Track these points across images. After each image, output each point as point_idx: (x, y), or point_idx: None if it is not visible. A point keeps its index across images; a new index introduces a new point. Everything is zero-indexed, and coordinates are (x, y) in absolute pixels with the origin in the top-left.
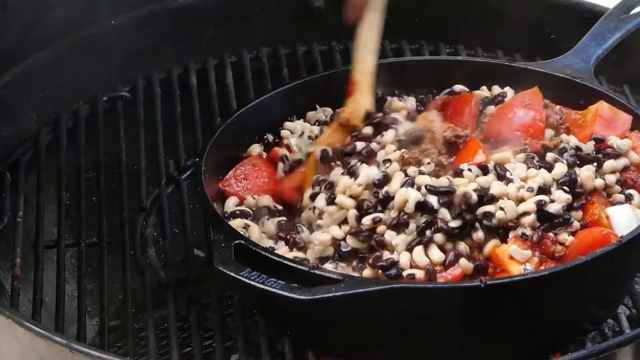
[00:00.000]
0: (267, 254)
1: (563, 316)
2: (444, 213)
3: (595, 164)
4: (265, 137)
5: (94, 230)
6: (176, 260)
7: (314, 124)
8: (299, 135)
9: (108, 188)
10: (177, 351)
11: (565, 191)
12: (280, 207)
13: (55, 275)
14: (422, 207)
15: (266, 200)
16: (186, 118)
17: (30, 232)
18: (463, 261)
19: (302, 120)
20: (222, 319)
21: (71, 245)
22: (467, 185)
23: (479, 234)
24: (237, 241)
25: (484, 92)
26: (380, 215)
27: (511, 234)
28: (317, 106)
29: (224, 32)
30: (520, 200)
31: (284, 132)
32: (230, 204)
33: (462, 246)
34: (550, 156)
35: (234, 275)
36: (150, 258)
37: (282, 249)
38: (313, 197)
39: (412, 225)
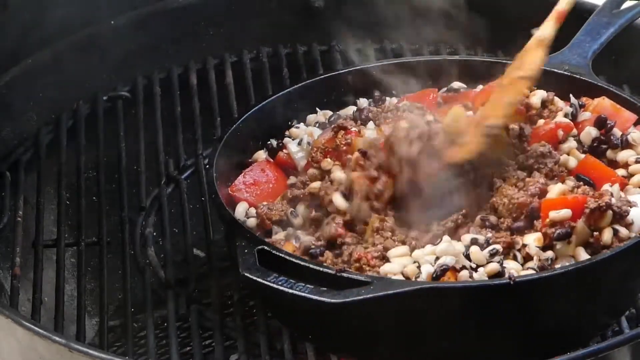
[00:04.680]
0: (292, 259)
1: (588, 313)
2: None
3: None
4: (268, 142)
5: (94, 230)
6: (176, 259)
7: (314, 126)
8: (298, 142)
9: (108, 188)
10: (176, 351)
11: None
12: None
13: (54, 274)
14: None
15: None
16: (186, 118)
17: (30, 231)
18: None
19: (302, 124)
20: (221, 318)
21: (71, 245)
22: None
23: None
24: (260, 247)
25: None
26: None
27: None
28: (317, 109)
29: (224, 32)
30: None
31: (286, 140)
32: (241, 209)
33: None
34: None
35: (261, 281)
36: (150, 258)
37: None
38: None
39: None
